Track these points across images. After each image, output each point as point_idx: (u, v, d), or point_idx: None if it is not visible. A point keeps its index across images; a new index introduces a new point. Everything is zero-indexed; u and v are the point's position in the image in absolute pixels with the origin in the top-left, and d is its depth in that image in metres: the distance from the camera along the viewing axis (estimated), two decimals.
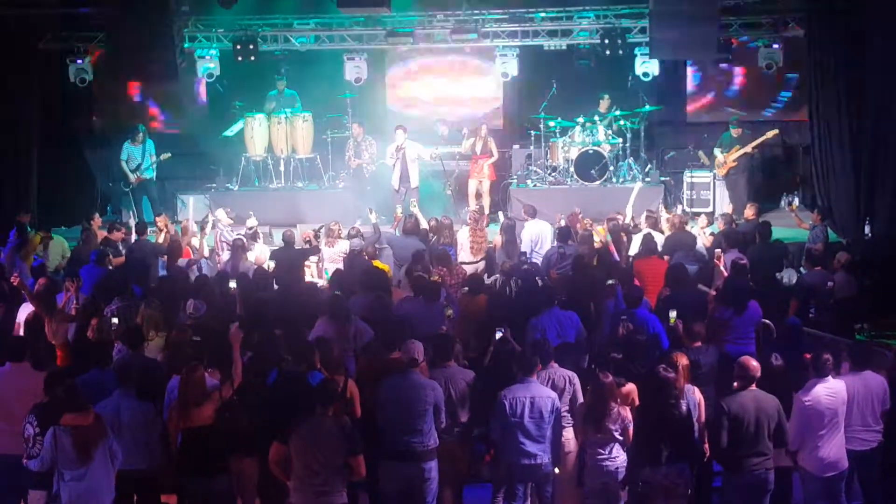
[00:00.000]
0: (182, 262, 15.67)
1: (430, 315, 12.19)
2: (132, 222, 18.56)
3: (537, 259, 16.23)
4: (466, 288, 13.79)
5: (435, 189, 21.31)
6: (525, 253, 16.36)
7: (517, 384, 9.80)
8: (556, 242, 16.24)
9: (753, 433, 9.46)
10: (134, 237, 17.03)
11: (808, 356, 10.29)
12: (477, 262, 16.53)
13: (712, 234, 16.67)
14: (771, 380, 9.98)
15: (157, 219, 18.13)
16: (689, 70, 23.31)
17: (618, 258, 14.97)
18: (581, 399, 10.07)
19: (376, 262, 15.10)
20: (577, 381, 10.19)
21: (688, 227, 16.60)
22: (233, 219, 18.07)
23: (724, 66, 22.22)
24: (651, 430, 9.56)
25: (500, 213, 18.31)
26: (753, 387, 9.64)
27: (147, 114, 24.03)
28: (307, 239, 16.81)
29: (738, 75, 23.15)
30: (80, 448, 8.87)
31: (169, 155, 21.39)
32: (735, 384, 9.70)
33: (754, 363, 9.72)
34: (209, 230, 17.59)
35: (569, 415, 10.08)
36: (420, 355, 10.09)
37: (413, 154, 20.24)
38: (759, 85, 22.82)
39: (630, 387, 9.98)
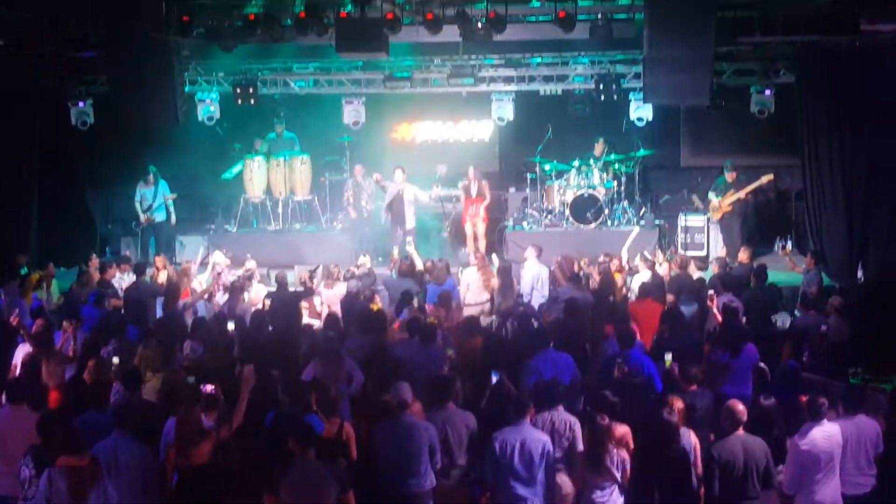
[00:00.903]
0: (179, 303, 15.73)
1: (427, 357, 12.25)
2: (131, 259, 18.65)
3: (539, 300, 16.30)
4: (461, 330, 13.83)
5: (431, 231, 21.41)
6: (522, 295, 16.42)
7: (509, 426, 9.86)
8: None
9: (742, 477, 9.56)
10: (133, 278, 17.05)
11: (804, 399, 10.37)
12: (484, 302, 16.61)
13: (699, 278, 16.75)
14: (762, 420, 10.05)
15: (156, 259, 18.18)
16: (683, 114, 23.47)
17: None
18: (580, 446, 10.11)
19: (374, 305, 15.19)
20: (577, 427, 10.21)
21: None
22: (230, 260, 18.14)
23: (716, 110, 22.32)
24: (651, 474, 9.61)
25: (495, 256, 18.37)
26: (741, 430, 9.72)
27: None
28: (303, 280, 16.89)
29: (730, 120, 23.29)
30: (75, 490, 8.86)
31: (175, 196, 21.56)
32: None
33: (741, 407, 9.81)
34: (208, 272, 17.71)
35: (564, 458, 10.13)
36: (408, 396, 10.16)
37: (410, 195, 20.35)
38: (750, 130, 22.94)
39: (624, 430, 10.03)
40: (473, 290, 16.67)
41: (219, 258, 17.73)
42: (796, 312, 16.03)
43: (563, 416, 10.28)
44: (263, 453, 9.57)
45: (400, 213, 20.32)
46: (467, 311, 15.86)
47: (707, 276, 16.89)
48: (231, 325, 13.97)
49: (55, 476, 8.87)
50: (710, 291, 14.95)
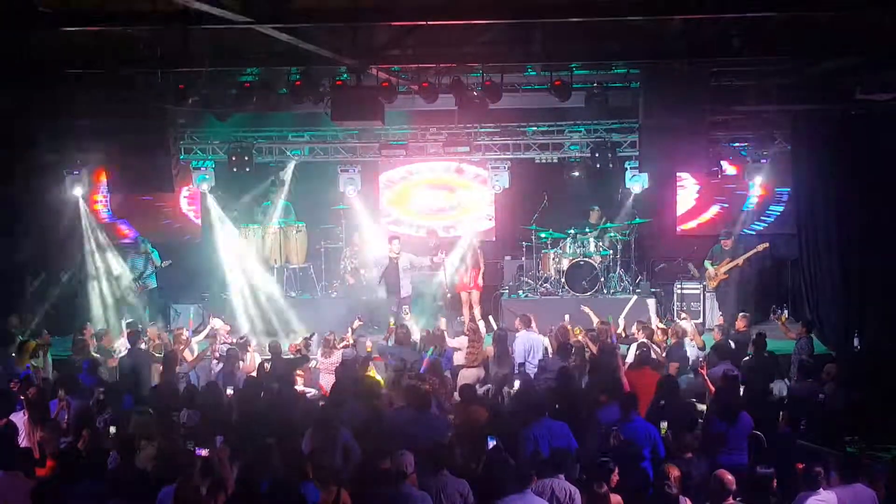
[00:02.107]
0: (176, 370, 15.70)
1: (422, 424, 12.18)
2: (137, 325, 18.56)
3: (531, 369, 16.25)
4: (459, 398, 13.78)
5: (428, 298, 21.40)
6: (521, 364, 16.38)
7: (512, 495, 9.77)
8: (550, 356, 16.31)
9: None
10: (126, 346, 16.97)
11: (800, 467, 10.31)
12: (475, 366, 16.56)
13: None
14: (758, 489, 9.98)
15: (149, 330, 18.09)
16: (679, 183, 23.54)
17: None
18: None
19: (370, 372, 15.15)
20: (578, 496, 10.13)
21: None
22: (230, 327, 18.12)
23: (714, 179, 22.34)
24: None
25: (491, 318, 18.38)
26: (731, 500, 9.64)
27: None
28: (298, 348, 16.87)
29: (730, 189, 23.36)
30: None
31: (169, 262, 21.59)
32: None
33: (730, 476, 9.73)
34: (201, 337, 17.73)
35: None
36: (410, 467, 10.08)
37: (405, 263, 20.36)
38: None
39: (617, 499, 9.95)
40: (461, 358, 16.66)
41: (219, 325, 17.75)
42: (786, 381, 16.03)
43: (563, 485, 10.21)
44: None
45: (395, 282, 20.30)
46: (461, 379, 15.80)
47: (708, 341, 16.89)
48: (230, 391, 13.97)
49: None
50: (700, 360, 14.96)
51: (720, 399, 12.95)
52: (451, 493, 10.26)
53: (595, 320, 17.40)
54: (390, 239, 20.68)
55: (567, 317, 17.95)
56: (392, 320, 18.62)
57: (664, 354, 16.23)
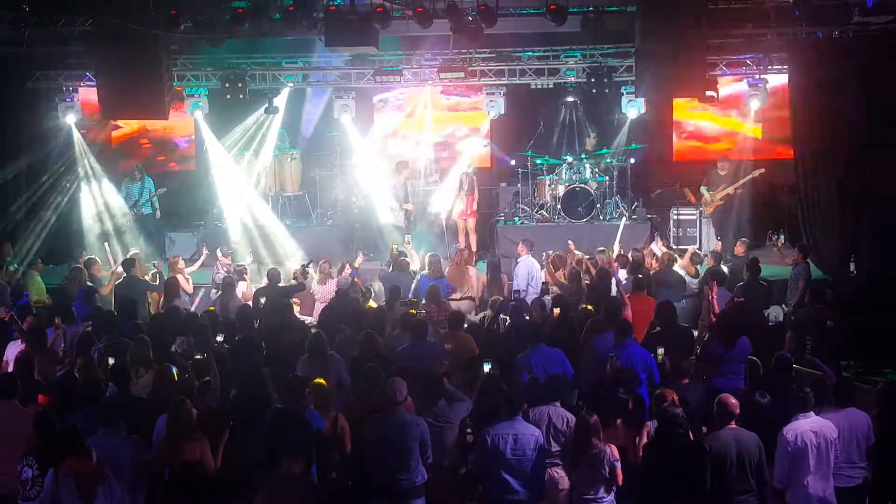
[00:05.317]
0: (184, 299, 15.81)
1: (418, 352, 12.20)
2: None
3: (532, 294, 16.23)
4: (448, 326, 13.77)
5: (423, 226, 21.37)
6: (519, 290, 16.36)
7: (502, 422, 9.81)
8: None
9: (736, 471, 9.46)
10: (122, 274, 16.95)
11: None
12: (460, 299, 16.53)
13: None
14: (758, 416, 10.00)
15: (136, 255, 17.99)
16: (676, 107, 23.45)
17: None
18: None
19: (367, 302, 15.18)
20: (574, 423, 10.17)
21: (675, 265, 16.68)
22: (230, 258, 18.11)
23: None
24: (665, 468, 9.49)
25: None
26: (733, 424, 9.67)
27: (140, 151, 24.10)
28: (295, 276, 16.86)
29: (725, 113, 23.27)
30: (84, 493, 8.78)
31: (164, 189, 21.53)
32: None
33: (733, 400, 9.74)
34: (196, 266, 17.72)
35: (561, 453, 10.09)
36: (402, 394, 10.07)
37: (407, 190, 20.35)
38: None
39: (618, 425, 9.97)
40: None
41: (220, 255, 17.76)
42: (782, 306, 16.03)
43: (559, 412, 10.25)
44: (266, 451, 9.42)
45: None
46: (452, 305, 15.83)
47: (702, 269, 16.88)
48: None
49: (63, 478, 8.78)
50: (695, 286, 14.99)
51: (722, 323, 12.93)
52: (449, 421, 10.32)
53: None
54: (398, 164, 20.58)
55: (564, 244, 17.93)
56: (395, 247, 18.57)
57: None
